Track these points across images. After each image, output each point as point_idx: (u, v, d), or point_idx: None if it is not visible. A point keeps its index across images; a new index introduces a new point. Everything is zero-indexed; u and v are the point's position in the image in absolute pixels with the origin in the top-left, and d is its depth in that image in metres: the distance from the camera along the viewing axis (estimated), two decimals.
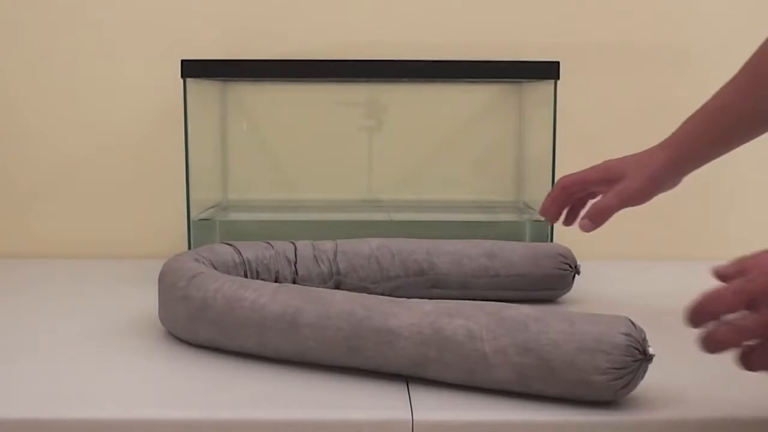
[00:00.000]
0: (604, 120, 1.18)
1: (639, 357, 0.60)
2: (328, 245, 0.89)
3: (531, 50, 1.14)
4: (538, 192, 1.06)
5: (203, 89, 1.06)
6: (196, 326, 0.74)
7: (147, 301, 0.91)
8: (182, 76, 0.97)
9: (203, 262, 0.81)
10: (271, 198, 1.17)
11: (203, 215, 1.05)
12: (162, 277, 0.79)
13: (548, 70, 0.98)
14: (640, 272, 1.10)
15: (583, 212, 0.87)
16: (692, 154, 0.83)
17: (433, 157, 1.17)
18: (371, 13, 1.15)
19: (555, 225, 0.98)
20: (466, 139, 1.16)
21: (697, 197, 1.18)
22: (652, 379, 0.66)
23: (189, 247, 1.00)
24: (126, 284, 1.00)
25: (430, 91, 1.15)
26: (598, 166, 0.86)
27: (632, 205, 0.84)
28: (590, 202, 0.87)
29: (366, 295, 0.71)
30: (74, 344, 0.78)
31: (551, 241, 1.00)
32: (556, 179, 0.99)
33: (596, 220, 0.83)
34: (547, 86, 1.00)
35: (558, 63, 0.98)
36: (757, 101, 0.79)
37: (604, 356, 0.60)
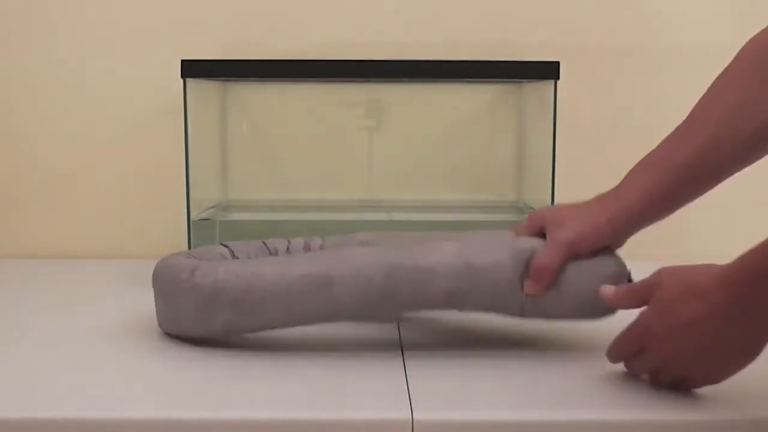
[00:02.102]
0: (604, 120, 1.18)
1: (627, 281, 0.73)
2: (316, 246, 0.87)
3: (531, 50, 1.14)
4: (538, 192, 1.06)
5: (203, 89, 1.06)
6: (209, 314, 0.72)
7: (147, 301, 0.91)
8: (182, 76, 0.97)
9: (196, 258, 0.80)
10: (271, 198, 1.17)
11: (203, 215, 1.05)
12: (158, 277, 0.77)
13: (548, 70, 0.98)
14: (638, 272, 1.10)
15: None
16: (634, 212, 0.74)
17: (433, 157, 1.17)
18: (371, 13, 1.15)
19: None
20: (466, 139, 1.16)
21: (700, 199, 1.18)
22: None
23: (189, 248, 0.99)
24: (126, 284, 1.00)
25: (430, 91, 1.15)
26: (533, 215, 0.79)
27: (573, 254, 0.73)
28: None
29: (379, 248, 0.73)
30: (74, 344, 0.78)
31: None
32: (556, 179, 0.99)
33: (539, 279, 0.72)
34: (547, 86, 1.00)
35: (558, 63, 0.98)
36: (693, 154, 0.72)
37: (602, 281, 0.71)
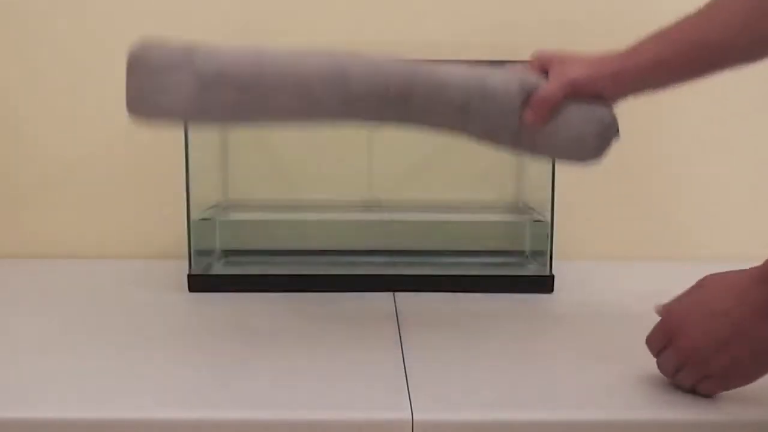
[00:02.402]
0: None
1: (616, 132, 0.76)
2: None
3: (531, 50, 1.14)
4: (538, 192, 1.06)
5: None
6: (211, 96, 0.65)
7: (146, 301, 0.92)
8: None
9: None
10: (271, 198, 1.17)
11: (203, 215, 1.05)
12: (140, 58, 0.66)
13: None
14: (638, 272, 1.10)
15: None
16: (639, 72, 0.75)
17: (433, 158, 1.17)
18: (372, 13, 1.15)
19: (554, 227, 0.98)
20: (466, 139, 1.16)
21: (698, 199, 1.18)
22: (649, 379, 0.66)
23: (189, 248, 0.99)
24: (126, 284, 1.00)
25: None
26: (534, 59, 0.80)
27: (574, 94, 0.75)
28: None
29: (396, 57, 0.74)
30: (73, 344, 0.78)
31: (551, 244, 1.00)
32: (556, 179, 0.99)
33: (539, 110, 0.74)
34: None
35: None
36: (708, 38, 0.73)
37: (597, 126, 0.75)
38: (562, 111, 0.74)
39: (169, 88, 0.66)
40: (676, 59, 0.73)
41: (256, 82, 0.66)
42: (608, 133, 0.76)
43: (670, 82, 0.76)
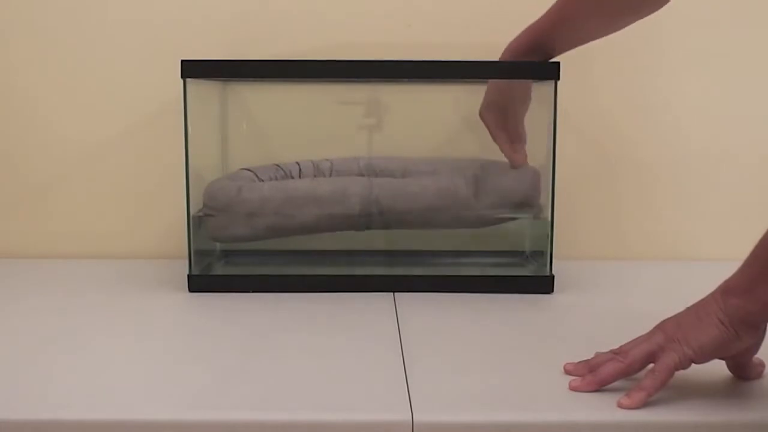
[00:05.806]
0: (604, 120, 1.18)
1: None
2: (325, 165, 1.08)
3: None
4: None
5: (203, 89, 1.06)
6: (257, 220, 0.98)
7: (146, 301, 0.92)
8: (182, 76, 0.97)
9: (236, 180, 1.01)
10: None
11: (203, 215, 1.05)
12: (212, 198, 0.99)
13: (548, 70, 0.98)
14: (638, 272, 1.10)
15: None
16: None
17: (432, 158, 1.17)
18: (372, 13, 1.15)
19: (554, 226, 0.98)
20: (466, 139, 1.16)
21: (698, 200, 1.18)
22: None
23: (189, 247, 0.99)
24: (126, 284, 1.00)
25: (430, 91, 1.15)
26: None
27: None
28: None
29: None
30: (73, 344, 0.78)
31: (551, 244, 1.00)
32: (556, 179, 0.99)
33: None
34: (547, 86, 1.00)
35: (558, 63, 0.97)
36: None
37: (522, 176, 1.01)
38: (495, 181, 1.02)
39: (230, 220, 0.99)
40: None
41: (286, 205, 0.98)
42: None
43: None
